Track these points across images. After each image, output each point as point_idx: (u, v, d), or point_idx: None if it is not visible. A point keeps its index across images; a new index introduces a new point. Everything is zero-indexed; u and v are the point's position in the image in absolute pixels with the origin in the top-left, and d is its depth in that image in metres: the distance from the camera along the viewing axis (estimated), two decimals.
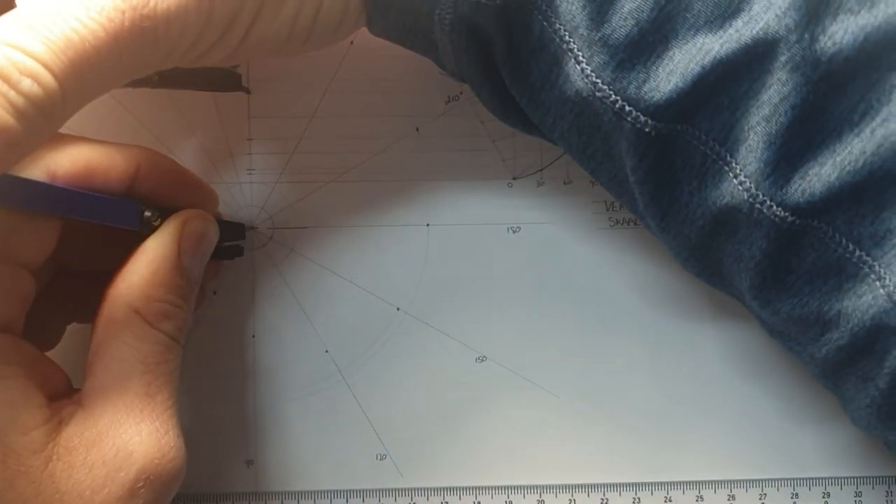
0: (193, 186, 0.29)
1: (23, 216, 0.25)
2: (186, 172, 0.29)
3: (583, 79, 0.26)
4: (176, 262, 0.27)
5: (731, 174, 0.26)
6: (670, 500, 0.33)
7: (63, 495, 0.24)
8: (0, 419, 0.23)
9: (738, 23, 0.25)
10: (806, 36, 0.24)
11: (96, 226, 0.26)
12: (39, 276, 0.26)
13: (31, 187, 0.24)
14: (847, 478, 0.33)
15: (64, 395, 0.26)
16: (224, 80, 0.32)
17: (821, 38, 0.24)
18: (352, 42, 0.33)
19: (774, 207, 0.25)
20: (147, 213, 0.27)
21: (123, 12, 0.22)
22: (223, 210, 0.32)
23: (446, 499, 0.33)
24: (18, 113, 0.20)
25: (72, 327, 0.30)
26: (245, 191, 0.33)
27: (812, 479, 0.33)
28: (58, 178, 0.25)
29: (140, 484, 0.25)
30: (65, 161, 0.25)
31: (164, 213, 0.28)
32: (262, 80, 0.33)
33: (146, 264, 0.27)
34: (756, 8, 0.25)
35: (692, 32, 0.25)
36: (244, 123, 0.33)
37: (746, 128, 0.25)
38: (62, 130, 0.23)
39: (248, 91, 0.32)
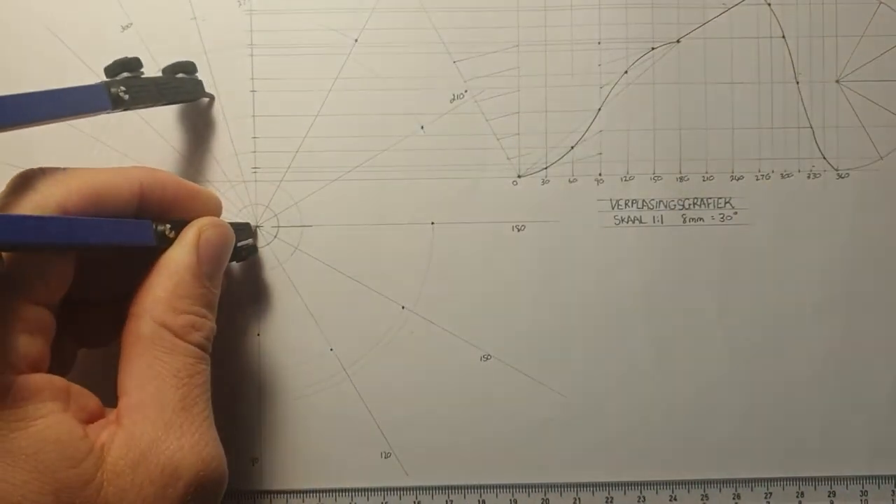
0: (195, 195, 0.29)
1: (42, 256, 0.25)
2: (187, 184, 0.29)
3: None
4: (197, 272, 0.27)
5: None
6: (675, 499, 0.33)
7: None
8: (49, 457, 0.23)
9: None
10: None
11: (103, 255, 0.26)
12: (53, 308, 0.26)
13: (49, 224, 0.24)
14: (853, 477, 0.33)
15: (98, 416, 0.26)
16: (190, 90, 0.32)
17: None
18: (356, 40, 0.33)
19: None
20: (160, 228, 0.27)
21: None
22: (229, 208, 0.32)
23: (451, 497, 0.33)
24: None
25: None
26: (250, 189, 0.33)
27: (817, 478, 0.33)
28: (69, 210, 0.25)
29: (189, 497, 0.25)
30: (73, 195, 0.25)
31: (177, 225, 0.28)
32: (267, 78, 0.33)
33: (168, 276, 0.27)
34: None
35: None
36: (249, 121, 0.33)
37: None
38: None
39: (211, 97, 0.32)
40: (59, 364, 0.27)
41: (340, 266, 0.33)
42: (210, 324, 0.28)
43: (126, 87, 0.28)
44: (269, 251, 0.33)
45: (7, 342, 0.24)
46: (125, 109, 0.28)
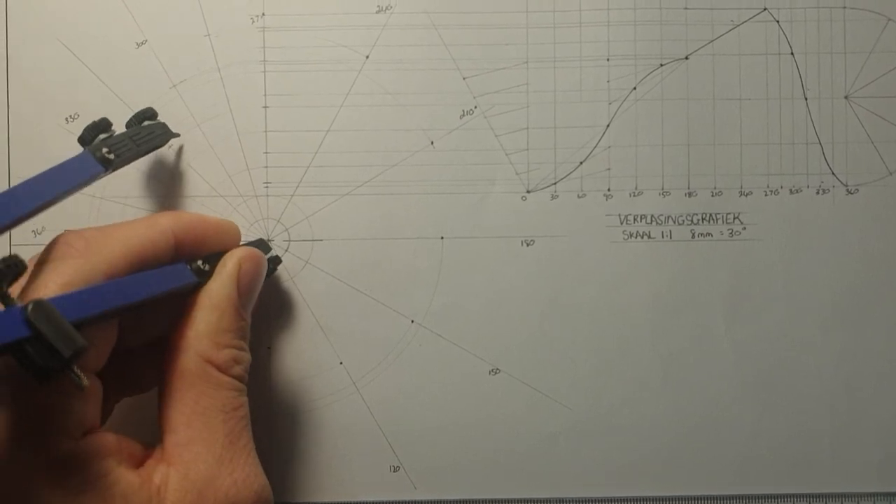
0: (219, 228, 0.30)
1: (89, 327, 0.25)
2: (208, 219, 0.30)
3: None
4: (237, 304, 0.28)
5: None
6: None
7: None
8: None
9: None
10: None
11: (137, 307, 0.26)
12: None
13: (104, 293, 0.24)
14: (863, 494, 0.33)
15: (143, 457, 0.26)
16: (160, 134, 0.32)
17: None
18: (367, 56, 0.33)
19: None
20: (194, 265, 0.28)
21: None
22: (240, 223, 0.33)
23: None
24: None
25: None
26: (262, 204, 0.33)
27: (827, 494, 0.33)
28: (117, 274, 0.25)
29: None
30: (117, 261, 0.26)
31: (209, 258, 0.28)
32: (279, 94, 0.33)
33: (211, 310, 0.27)
34: None
35: None
36: (261, 137, 0.33)
37: None
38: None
39: (177, 135, 0.33)
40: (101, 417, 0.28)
41: (351, 280, 0.33)
42: (248, 356, 0.28)
43: (108, 147, 0.28)
44: (281, 265, 0.33)
45: (65, 411, 0.24)
46: (115, 169, 0.29)
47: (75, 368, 0.23)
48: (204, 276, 0.28)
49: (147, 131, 0.31)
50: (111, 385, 0.28)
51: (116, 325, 0.26)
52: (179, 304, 0.28)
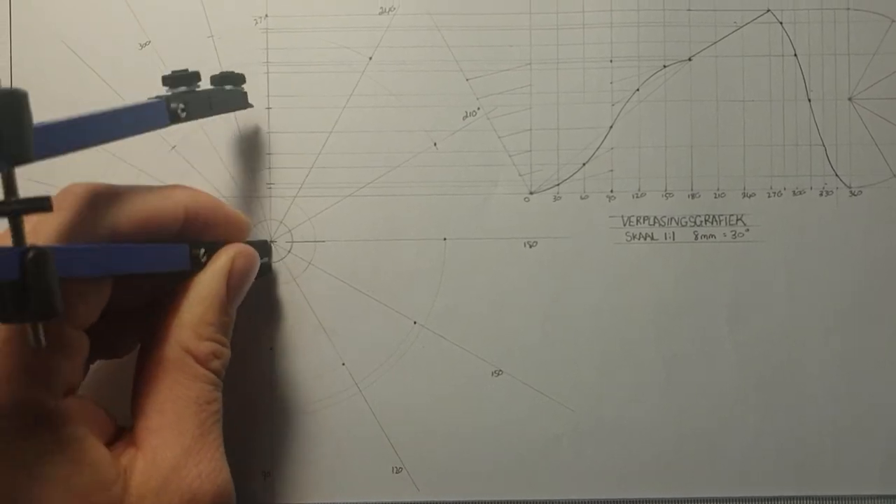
0: (231, 219, 0.30)
1: (85, 282, 0.25)
2: (225, 207, 0.30)
3: None
4: (224, 300, 0.28)
5: None
6: None
7: None
8: (83, 480, 0.24)
9: None
10: None
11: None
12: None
13: (101, 255, 0.24)
14: (865, 496, 0.33)
15: (113, 436, 0.26)
16: (236, 101, 0.32)
17: None
18: (370, 57, 0.33)
19: None
20: (195, 252, 0.28)
21: None
22: None
23: None
24: None
25: None
26: (264, 205, 0.33)
27: (829, 497, 0.33)
28: (120, 235, 0.25)
29: None
30: (124, 219, 0.25)
31: (210, 248, 0.28)
32: (282, 95, 0.33)
33: (198, 303, 0.27)
34: None
35: None
36: (264, 138, 0.33)
37: None
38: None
39: (251, 106, 0.33)
40: None
41: (353, 281, 0.33)
42: (228, 352, 0.28)
43: (184, 102, 0.28)
44: (283, 266, 0.33)
45: (49, 367, 0.24)
46: (180, 123, 0.28)
47: (40, 328, 0.22)
48: (199, 267, 0.28)
49: (225, 95, 0.31)
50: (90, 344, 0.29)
51: (109, 285, 0.26)
52: (167, 279, 0.28)
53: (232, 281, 0.28)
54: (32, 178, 0.30)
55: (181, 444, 0.26)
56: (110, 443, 0.26)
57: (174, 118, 0.28)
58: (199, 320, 0.27)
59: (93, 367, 0.29)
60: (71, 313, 0.24)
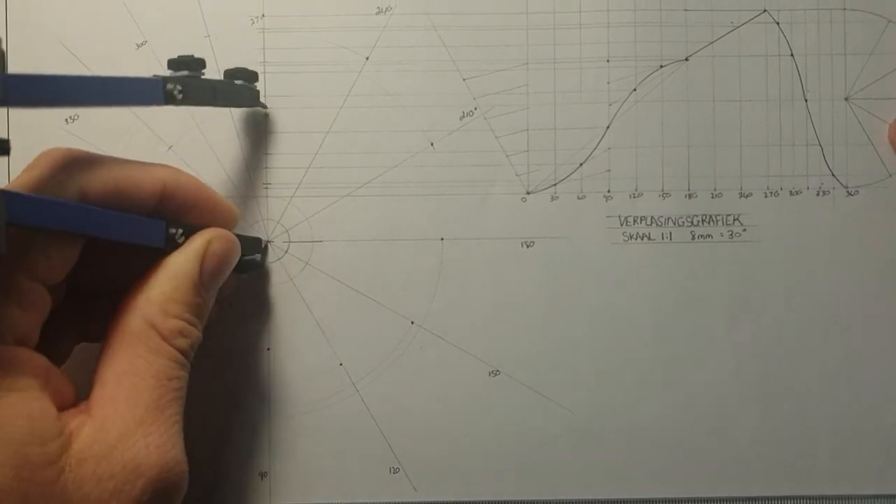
0: (216, 205, 0.30)
1: (48, 234, 0.25)
2: (209, 191, 0.29)
3: None
4: (196, 281, 0.28)
5: None
6: None
7: None
8: (18, 430, 0.23)
9: None
10: None
11: (114, 246, 0.26)
12: (55, 292, 0.27)
13: (65, 210, 0.24)
14: (864, 496, 0.33)
15: (71, 405, 0.26)
16: (245, 98, 0.32)
17: None
18: (367, 58, 0.33)
19: None
20: (171, 231, 0.28)
21: None
22: (240, 223, 0.33)
23: None
24: None
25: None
26: (261, 205, 0.33)
27: (828, 497, 0.33)
28: (89, 198, 0.25)
29: (146, 497, 0.25)
30: (95, 182, 0.26)
31: (189, 231, 0.28)
32: (279, 95, 0.33)
33: (167, 280, 0.27)
34: None
35: None
36: (261, 138, 0.33)
37: None
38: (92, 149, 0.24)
39: (264, 107, 0.33)
40: (55, 353, 0.28)
41: (350, 281, 0.33)
42: (197, 333, 0.28)
43: (182, 85, 0.28)
44: (280, 266, 0.33)
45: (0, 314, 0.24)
46: (176, 105, 0.28)
47: None
48: (174, 247, 0.28)
49: (234, 89, 0.31)
50: (70, 326, 0.28)
51: (77, 248, 0.26)
52: (143, 260, 0.28)
53: (206, 263, 0.28)
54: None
55: (133, 416, 0.25)
56: (65, 409, 0.25)
57: (170, 99, 0.28)
58: (167, 297, 0.27)
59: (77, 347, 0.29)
60: (30, 264, 0.24)
